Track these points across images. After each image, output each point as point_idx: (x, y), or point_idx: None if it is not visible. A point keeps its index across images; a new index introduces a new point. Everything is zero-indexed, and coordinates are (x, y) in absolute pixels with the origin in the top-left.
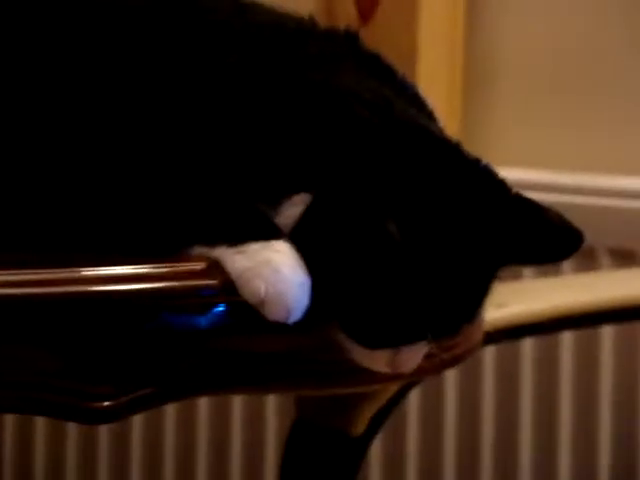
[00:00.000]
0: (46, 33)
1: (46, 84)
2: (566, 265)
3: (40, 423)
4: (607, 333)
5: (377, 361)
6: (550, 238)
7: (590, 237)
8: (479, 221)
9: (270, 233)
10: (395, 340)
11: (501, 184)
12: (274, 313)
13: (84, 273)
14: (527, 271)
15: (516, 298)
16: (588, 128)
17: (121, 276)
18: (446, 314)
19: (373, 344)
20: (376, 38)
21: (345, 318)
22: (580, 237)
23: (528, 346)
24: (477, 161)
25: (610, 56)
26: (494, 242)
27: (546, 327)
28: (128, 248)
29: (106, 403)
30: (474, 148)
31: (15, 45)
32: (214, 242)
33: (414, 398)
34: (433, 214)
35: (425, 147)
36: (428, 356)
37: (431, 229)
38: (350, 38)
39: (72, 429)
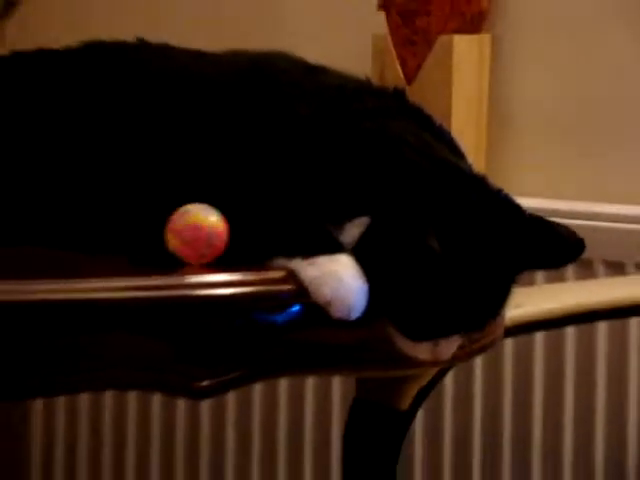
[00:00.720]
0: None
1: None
2: (569, 274)
3: (156, 399)
4: (602, 328)
5: (420, 350)
6: (559, 245)
7: (588, 251)
8: (501, 237)
9: (335, 248)
10: (435, 333)
11: (518, 208)
12: (338, 312)
13: (188, 280)
14: (539, 278)
15: (530, 300)
16: (587, 165)
17: (218, 282)
18: (475, 312)
19: (418, 337)
20: (418, 96)
21: (396, 316)
22: (582, 243)
23: (539, 338)
24: (499, 191)
25: (618, 101)
26: (513, 253)
27: (554, 323)
28: (226, 259)
29: (206, 382)
30: (496, 181)
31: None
32: (291, 255)
33: (449, 379)
34: (466, 232)
35: (458, 181)
36: (461, 347)
37: (464, 244)
38: (398, 95)
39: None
